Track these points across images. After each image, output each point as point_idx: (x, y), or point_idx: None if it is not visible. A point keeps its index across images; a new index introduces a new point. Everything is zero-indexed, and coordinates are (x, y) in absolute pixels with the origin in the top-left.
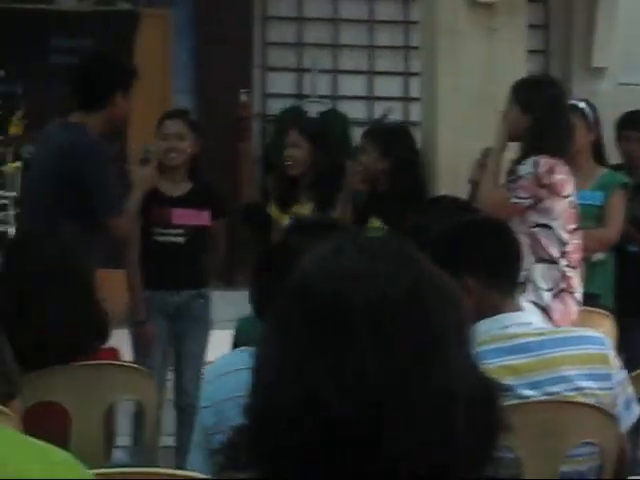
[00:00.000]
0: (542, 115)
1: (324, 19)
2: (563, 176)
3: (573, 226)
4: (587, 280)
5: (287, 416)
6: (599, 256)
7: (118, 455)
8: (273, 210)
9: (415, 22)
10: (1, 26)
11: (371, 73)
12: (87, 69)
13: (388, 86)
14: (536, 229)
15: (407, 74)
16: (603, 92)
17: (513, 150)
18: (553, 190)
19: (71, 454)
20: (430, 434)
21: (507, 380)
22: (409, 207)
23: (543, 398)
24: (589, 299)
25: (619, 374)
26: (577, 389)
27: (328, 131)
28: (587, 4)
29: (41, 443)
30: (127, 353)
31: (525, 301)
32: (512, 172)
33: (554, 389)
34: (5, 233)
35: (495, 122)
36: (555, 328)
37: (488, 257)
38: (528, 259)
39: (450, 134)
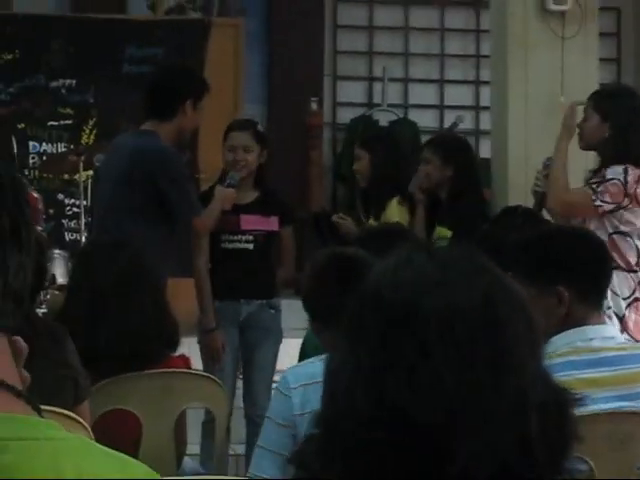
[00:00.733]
0: (624, 124)
1: (395, 27)
2: None
3: None
4: None
5: (359, 424)
6: None
7: (189, 463)
8: (351, 221)
9: (486, 31)
10: (74, 36)
11: (442, 82)
12: (160, 78)
13: (459, 95)
14: (615, 236)
15: (478, 83)
16: None
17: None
18: (637, 200)
19: (145, 465)
20: (504, 441)
21: (586, 392)
22: (475, 216)
23: (615, 409)
24: None
25: None
26: None
27: (388, 139)
28: None
29: (119, 455)
30: (197, 361)
31: (606, 308)
32: (594, 176)
33: (631, 404)
34: (77, 241)
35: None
36: (637, 344)
37: (582, 267)
38: None
39: (521, 143)
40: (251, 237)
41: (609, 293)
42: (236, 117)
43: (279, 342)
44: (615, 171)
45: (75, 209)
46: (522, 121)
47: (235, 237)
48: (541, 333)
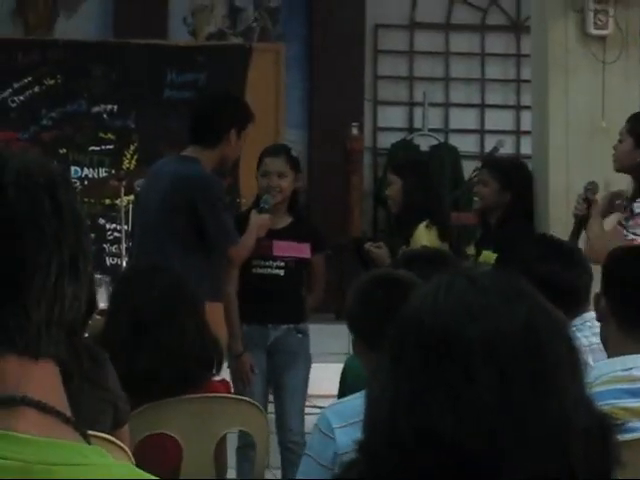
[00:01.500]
0: None
1: (435, 52)
2: None
3: None
4: None
5: (401, 450)
6: None
7: None
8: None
9: (527, 55)
10: (115, 61)
11: (482, 106)
12: (206, 105)
13: (499, 119)
14: None
15: (518, 107)
16: None
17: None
18: None
19: None
20: (547, 465)
21: (626, 421)
22: (521, 241)
23: None
24: None
25: None
26: None
27: (419, 164)
28: None
29: None
30: None
31: None
32: (625, 207)
33: None
34: (118, 266)
35: (608, 155)
36: None
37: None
38: None
39: (562, 168)
40: (282, 263)
41: None
42: (277, 142)
43: (308, 366)
44: None
45: (116, 234)
46: (563, 146)
47: (266, 262)
48: (582, 358)
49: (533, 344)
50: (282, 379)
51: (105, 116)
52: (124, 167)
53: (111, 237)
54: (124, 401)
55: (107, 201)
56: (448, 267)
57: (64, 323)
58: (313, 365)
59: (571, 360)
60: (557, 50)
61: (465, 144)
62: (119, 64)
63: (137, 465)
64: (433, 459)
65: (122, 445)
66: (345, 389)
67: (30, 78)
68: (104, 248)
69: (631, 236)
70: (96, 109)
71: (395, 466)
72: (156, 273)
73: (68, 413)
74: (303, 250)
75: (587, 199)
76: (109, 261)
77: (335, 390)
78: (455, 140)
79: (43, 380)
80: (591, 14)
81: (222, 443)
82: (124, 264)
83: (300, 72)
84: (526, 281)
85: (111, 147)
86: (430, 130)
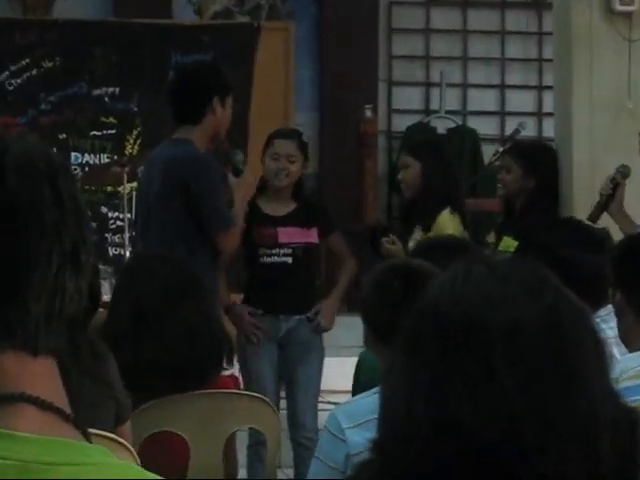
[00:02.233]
0: None
1: (453, 30)
2: None
3: None
4: None
5: (419, 442)
6: None
7: None
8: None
9: (549, 33)
10: (117, 42)
11: (502, 87)
12: (180, 80)
13: (520, 100)
14: None
15: (540, 87)
16: None
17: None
18: None
19: None
20: (574, 457)
21: None
22: (543, 227)
23: None
24: None
25: None
26: None
27: (437, 145)
28: None
29: None
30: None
31: None
32: None
33: None
34: (121, 256)
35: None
36: None
37: None
38: None
39: (585, 150)
40: (289, 250)
41: None
42: (287, 125)
43: (322, 358)
44: None
45: (119, 222)
46: (587, 127)
47: (273, 251)
48: (608, 348)
49: (555, 333)
50: (295, 373)
51: (107, 99)
52: (127, 153)
53: (114, 226)
54: (125, 395)
55: (109, 188)
56: (468, 256)
57: (64, 317)
58: (325, 359)
59: (596, 351)
60: (581, 27)
61: (484, 126)
62: (121, 45)
63: (142, 465)
64: (451, 449)
65: (126, 444)
66: (359, 385)
67: (28, 60)
68: (106, 238)
69: None
70: (97, 92)
71: (411, 462)
72: (157, 262)
73: (68, 410)
74: (310, 235)
75: (614, 179)
76: (112, 251)
77: (348, 386)
78: (474, 122)
79: (42, 376)
80: None
81: (232, 441)
82: (127, 254)
83: (311, 52)
84: (548, 269)
85: (113, 132)
86: (447, 112)
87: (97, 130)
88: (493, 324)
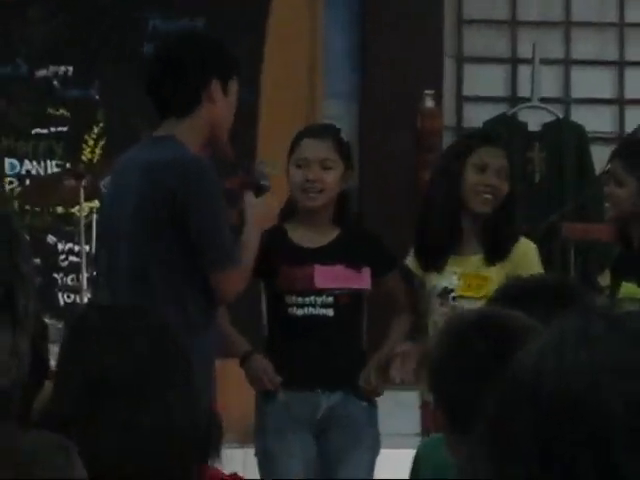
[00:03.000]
0: None
1: None
2: None
3: None
4: None
5: None
6: None
7: None
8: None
9: None
10: (68, 5)
11: (621, 64)
12: (162, 57)
13: None
14: None
15: None
16: None
17: None
18: None
19: None
20: None
21: None
22: None
23: None
24: None
25: None
26: None
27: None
28: None
29: None
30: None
31: None
32: None
33: None
34: (77, 305)
35: None
36: None
37: None
38: None
39: None
40: (330, 299)
41: None
42: (314, 119)
43: (376, 449)
44: None
45: (73, 258)
46: None
47: (307, 299)
48: None
49: None
50: (337, 470)
51: (55, 83)
52: (84, 159)
53: (66, 263)
54: None
55: (60, 209)
56: (574, 305)
57: None
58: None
59: None
60: None
61: (595, 121)
62: (73, 9)
63: None
64: None
65: None
66: None
67: None
68: (55, 280)
69: None
70: (41, 73)
71: None
72: (126, 318)
73: None
74: (361, 278)
75: None
76: (63, 299)
77: None
78: (580, 115)
79: None
80: None
81: None
82: (84, 302)
83: (348, 15)
84: None
85: (65, 129)
86: (542, 100)
87: (42, 127)
88: (618, 407)
